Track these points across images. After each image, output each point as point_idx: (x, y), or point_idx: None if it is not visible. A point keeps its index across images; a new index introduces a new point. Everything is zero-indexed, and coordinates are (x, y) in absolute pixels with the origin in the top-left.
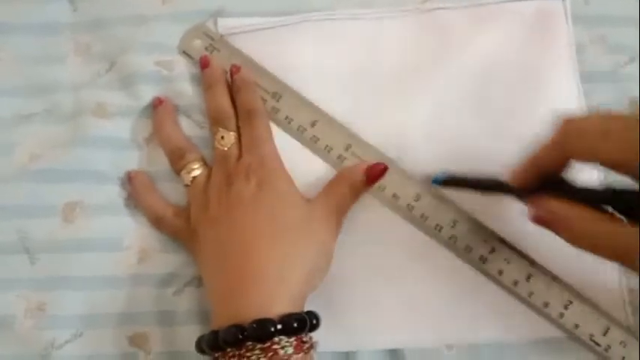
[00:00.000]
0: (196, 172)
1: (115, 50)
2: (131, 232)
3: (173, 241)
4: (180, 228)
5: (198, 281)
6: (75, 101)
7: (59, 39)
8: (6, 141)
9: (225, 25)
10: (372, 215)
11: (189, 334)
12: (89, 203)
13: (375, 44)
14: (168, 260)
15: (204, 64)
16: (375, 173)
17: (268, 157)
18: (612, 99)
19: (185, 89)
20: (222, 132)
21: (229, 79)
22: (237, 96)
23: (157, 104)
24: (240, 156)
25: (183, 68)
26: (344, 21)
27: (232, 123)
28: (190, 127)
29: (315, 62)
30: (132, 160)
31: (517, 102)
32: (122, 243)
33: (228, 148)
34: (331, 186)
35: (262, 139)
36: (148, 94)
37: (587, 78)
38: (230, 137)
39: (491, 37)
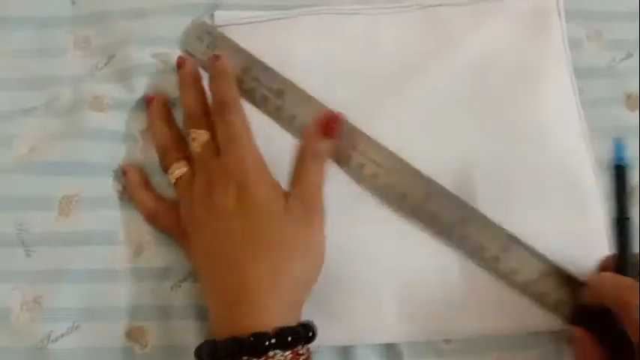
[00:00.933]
0: (180, 172)
1: (113, 43)
2: (126, 225)
3: (169, 235)
4: (172, 225)
5: (194, 276)
6: (73, 94)
7: (59, 33)
8: (5, 133)
9: (222, 17)
10: (369, 211)
11: (185, 328)
12: (85, 196)
13: (373, 40)
14: (165, 254)
15: (179, 64)
16: (331, 125)
17: (246, 157)
18: (609, 94)
19: None
20: (193, 132)
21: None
22: (212, 86)
23: (149, 101)
24: (217, 153)
25: None
26: (343, 16)
27: (203, 122)
28: None
29: (312, 57)
30: (128, 153)
31: (513, 97)
32: (118, 236)
33: (202, 149)
34: (298, 170)
35: (238, 136)
36: (144, 86)
37: (584, 73)
38: (201, 136)
39: (488, 33)
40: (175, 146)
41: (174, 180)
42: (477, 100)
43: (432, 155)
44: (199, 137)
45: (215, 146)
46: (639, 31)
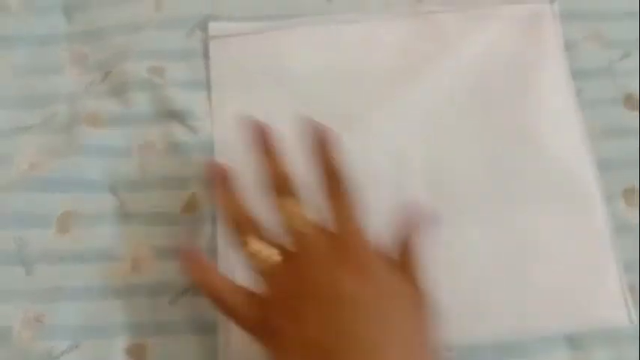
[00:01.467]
0: (276, 259)
1: (110, 59)
2: (124, 241)
3: (166, 249)
4: (255, 320)
5: (193, 290)
6: (70, 111)
7: (56, 50)
8: (5, 151)
9: (216, 29)
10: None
11: (185, 343)
12: (83, 213)
13: (369, 48)
14: (163, 269)
15: (255, 129)
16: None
17: (364, 236)
18: (607, 94)
19: (177, 95)
20: (288, 203)
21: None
22: (318, 155)
23: (212, 173)
24: (321, 229)
25: (174, 74)
26: (338, 25)
27: (292, 191)
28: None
29: (310, 64)
30: (125, 169)
31: (511, 100)
32: (115, 253)
33: (304, 225)
34: (406, 251)
35: (355, 214)
36: (140, 101)
37: (582, 74)
38: (301, 210)
39: (485, 38)
40: (251, 223)
41: (260, 263)
42: (477, 103)
43: (432, 158)
44: (299, 211)
45: (313, 223)
46: (639, 30)
